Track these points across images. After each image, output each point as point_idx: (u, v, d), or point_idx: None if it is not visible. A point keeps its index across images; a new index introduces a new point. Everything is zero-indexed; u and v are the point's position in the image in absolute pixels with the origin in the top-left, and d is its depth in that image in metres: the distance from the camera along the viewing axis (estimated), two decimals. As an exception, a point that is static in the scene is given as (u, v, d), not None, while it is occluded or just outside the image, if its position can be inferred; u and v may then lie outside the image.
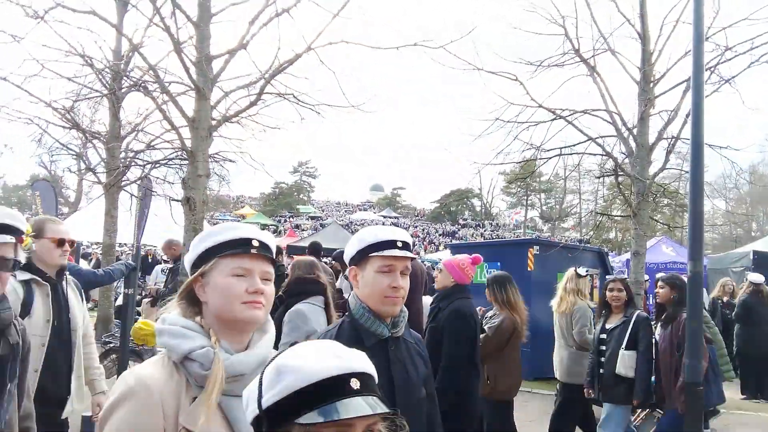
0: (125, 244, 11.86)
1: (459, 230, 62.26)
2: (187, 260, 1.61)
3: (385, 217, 67.99)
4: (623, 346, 5.32)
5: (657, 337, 5.44)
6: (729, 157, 9.55)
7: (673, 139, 9.31)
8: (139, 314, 7.12)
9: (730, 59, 8.97)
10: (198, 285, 1.55)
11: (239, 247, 1.53)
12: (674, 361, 5.11)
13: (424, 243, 50.87)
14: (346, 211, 74.81)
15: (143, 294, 10.55)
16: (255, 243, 1.55)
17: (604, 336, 5.58)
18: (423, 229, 62.27)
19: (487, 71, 9.73)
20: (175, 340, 1.46)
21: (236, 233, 1.56)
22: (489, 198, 76.01)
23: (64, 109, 8.81)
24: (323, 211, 72.64)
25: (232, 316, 1.50)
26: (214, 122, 7.17)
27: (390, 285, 2.04)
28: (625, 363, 5.27)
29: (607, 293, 5.69)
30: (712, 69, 8.83)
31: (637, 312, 5.51)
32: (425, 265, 14.79)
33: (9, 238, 1.93)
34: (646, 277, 10.47)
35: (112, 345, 6.56)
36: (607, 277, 7.89)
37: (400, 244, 2.03)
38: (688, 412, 4.80)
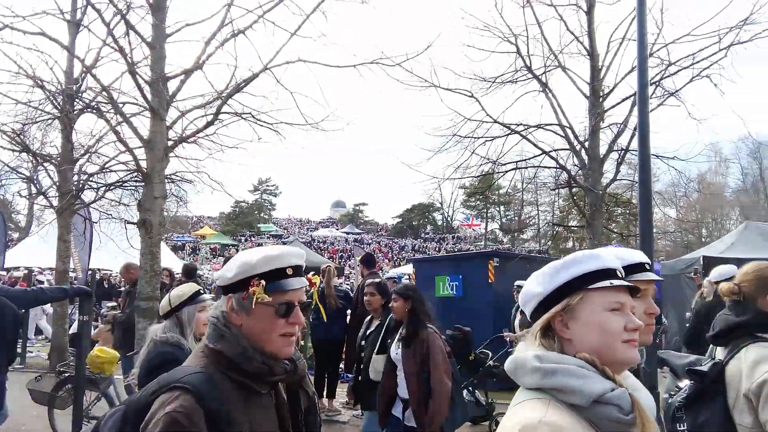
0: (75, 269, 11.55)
1: (421, 244, 62.59)
2: (538, 294, 1.46)
3: (347, 233, 67.88)
4: (376, 350, 4.96)
5: (397, 355, 4.49)
6: (676, 167, 9.96)
7: (623, 151, 9.65)
8: (94, 342, 6.91)
9: (673, 73, 9.40)
10: (558, 320, 1.41)
11: (610, 277, 1.40)
12: (422, 386, 4.23)
13: (386, 259, 50.94)
14: (308, 228, 74.35)
15: (99, 320, 10.24)
16: (620, 273, 1.43)
17: (363, 342, 5.31)
18: (385, 245, 62.39)
19: (443, 88, 9.93)
20: (578, 381, 1.28)
21: (602, 263, 1.43)
22: (450, 212, 76.84)
23: (13, 132, 8.56)
24: (285, 228, 72.01)
25: (612, 356, 1.36)
26: (170, 143, 7.08)
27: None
28: (376, 367, 4.86)
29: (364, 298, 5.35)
30: (657, 83, 9.23)
31: (391, 315, 4.87)
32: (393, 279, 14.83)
33: (305, 281, 1.73)
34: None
35: (67, 374, 6.34)
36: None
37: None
38: None
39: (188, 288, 3.29)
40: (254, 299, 1.56)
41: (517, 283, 9.00)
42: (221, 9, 7.03)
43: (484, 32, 10.00)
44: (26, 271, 16.38)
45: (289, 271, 1.62)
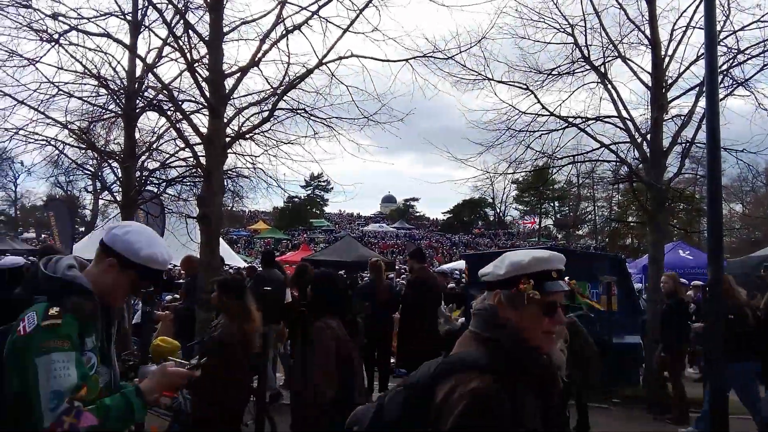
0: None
1: (472, 240, 62.01)
2: None
3: (398, 228, 67.92)
4: None
5: None
6: (745, 160, 9.48)
7: (688, 144, 9.24)
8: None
9: (742, 62, 8.94)
10: None
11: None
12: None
13: (437, 254, 50.69)
14: (358, 223, 74.84)
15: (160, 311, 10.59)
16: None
17: None
18: (436, 240, 62.11)
19: (497, 81, 9.76)
20: None
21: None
22: (502, 207, 75.81)
23: (80, 130, 8.93)
24: (336, 224, 72.73)
25: None
26: (227, 139, 7.24)
27: None
28: None
29: None
30: (725, 72, 8.79)
31: None
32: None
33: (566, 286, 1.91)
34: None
35: (130, 362, 6.58)
36: None
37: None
38: (715, 422, 4.72)
39: None
40: (525, 295, 1.70)
41: None
42: (276, 6, 7.11)
43: (539, 23, 9.77)
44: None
45: (555, 275, 1.76)
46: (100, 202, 18.77)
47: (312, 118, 7.68)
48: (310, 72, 7.20)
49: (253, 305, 4.60)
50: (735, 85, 9.07)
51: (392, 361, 8.92)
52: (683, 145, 9.32)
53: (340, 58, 7.23)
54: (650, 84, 9.23)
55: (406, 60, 7.56)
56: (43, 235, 41.02)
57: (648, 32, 9.26)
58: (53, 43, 7.28)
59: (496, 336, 1.69)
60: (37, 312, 1.99)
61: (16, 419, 1.93)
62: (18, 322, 2.01)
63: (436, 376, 1.64)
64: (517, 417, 1.54)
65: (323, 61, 7.16)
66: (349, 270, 15.98)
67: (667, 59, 9.26)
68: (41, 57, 7.54)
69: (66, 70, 8.00)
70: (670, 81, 9.33)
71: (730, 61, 8.88)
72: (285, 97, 7.38)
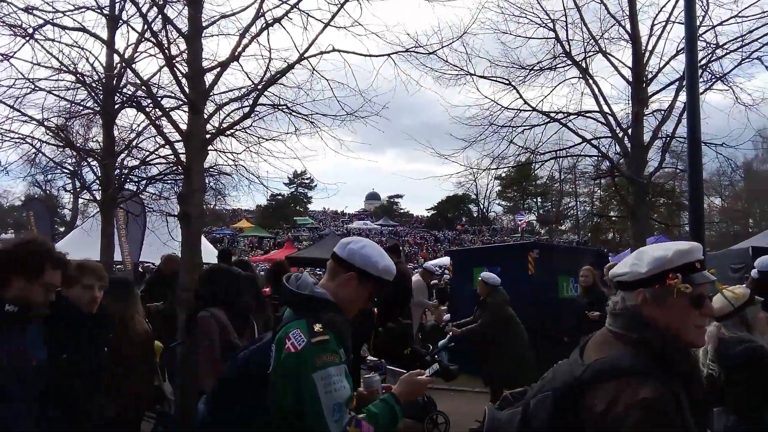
0: (119, 262, 11.84)
1: (456, 236, 62.21)
2: None
3: (382, 225, 67.93)
4: None
5: None
6: (724, 154, 9.60)
7: (669, 138, 9.33)
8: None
9: (720, 57, 9.05)
10: None
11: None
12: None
13: (422, 251, 50.81)
14: (343, 221, 74.70)
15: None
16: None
17: None
18: (421, 237, 62.22)
19: (479, 76, 9.76)
20: None
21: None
22: (485, 203, 76.15)
23: (57, 127, 8.76)
24: (320, 221, 72.52)
25: None
26: (208, 136, 7.13)
27: None
28: None
29: None
30: (704, 67, 8.89)
31: None
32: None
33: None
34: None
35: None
36: None
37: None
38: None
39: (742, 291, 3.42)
40: (675, 290, 1.65)
41: None
42: (255, 0, 7.02)
43: (520, 18, 9.79)
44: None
45: (698, 265, 1.71)
46: (80, 201, 18.52)
47: (293, 113, 7.61)
48: (291, 67, 7.12)
49: (137, 308, 4.27)
50: (714, 80, 9.17)
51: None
52: (663, 139, 9.41)
53: (322, 52, 7.15)
54: (631, 79, 9.31)
55: (388, 55, 7.51)
56: (21, 236, 40.34)
57: (628, 27, 9.33)
58: (27, 38, 7.10)
59: (644, 337, 1.65)
60: (301, 329, 2.06)
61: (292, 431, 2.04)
62: (268, 339, 2.16)
63: (586, 382, 1.59)
64: (683, 419, 1.51)
65: (304, 55, 7.08)
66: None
67: (647, 54, 9.34)
68: (15, 52, 7.36)
69: (42, 65, 7.83)
70: (650, 76, 9.41)
71: (709, 56, 8.98)
72: (266, 93, 7.28)
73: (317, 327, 2.06)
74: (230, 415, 2.17)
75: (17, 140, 8.60)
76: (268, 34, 7.04)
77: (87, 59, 8.20)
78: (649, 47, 9.36)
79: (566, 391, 1.64)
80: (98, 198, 9.12)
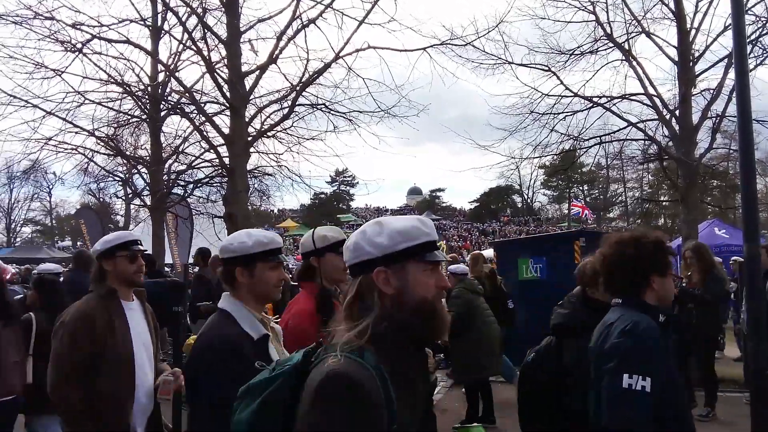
0: (170, 264, 12.21)
1: (501, 228, 61.49)
2: None
3: (425, 219, 67.57)
4: None
5: None
6: (779, 132, 9.17)
7: (719, 118, 8.97)
8: (189, 331, 7.26)
9: (772, 30, 8.63)
10: None
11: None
12: None
13: (465, 242, 50.42)
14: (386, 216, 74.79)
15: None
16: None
17: None
18: (465, 229, 61.76)
19: (517, 64, 9.60)
20: None
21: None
22: (530, 193, 74.89)
23: (107, 137, 9.11)
24: (364, 218, 72.84)
25: None
26: (250, 138, 7.29)
27: None
28: None
29: None
30: (754, 42, 8.50)
31: None
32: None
33: None
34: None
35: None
36: None
37: None
38: (758, 401, 4.58)
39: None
40: None
41: None
42: (291, 2, 7.12)
43: (558, 2, 9.56)
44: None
45: None
46: (131, 206, 19.14)
47: (332, 112, 7.69)
48: (327, 66, 7.20)
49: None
50: (765, 55, 8.77)
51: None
52: (713, 119, 9.05)
53: (357, 50, 7.21)
54: (676, 58, 8.98)
55: (424, 48, 7.50)
56: (78, 243, 42.05)
57: (672, 5, 9.00)
58: (77, 53, 7.42)
59: None
60: None
61: None
62: None
63: None
64: None
65: (340, 54, 7.15)
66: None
67: (693, 32, 8.99)
68: (66, 67, 7.70)
69: (90, 78, 8.16)
70: (696, 54, 9.06)
71: (759, 30, 8.58)
72: (304, 93, 7.40)
73: None
74: None
75: (70, 151, 8.98)
76: (305, 35, 7.14)
77: (133, 70, 8.50)
78: (695, 24, 9.02)
79: None
80: (148, 203, 9.42)
